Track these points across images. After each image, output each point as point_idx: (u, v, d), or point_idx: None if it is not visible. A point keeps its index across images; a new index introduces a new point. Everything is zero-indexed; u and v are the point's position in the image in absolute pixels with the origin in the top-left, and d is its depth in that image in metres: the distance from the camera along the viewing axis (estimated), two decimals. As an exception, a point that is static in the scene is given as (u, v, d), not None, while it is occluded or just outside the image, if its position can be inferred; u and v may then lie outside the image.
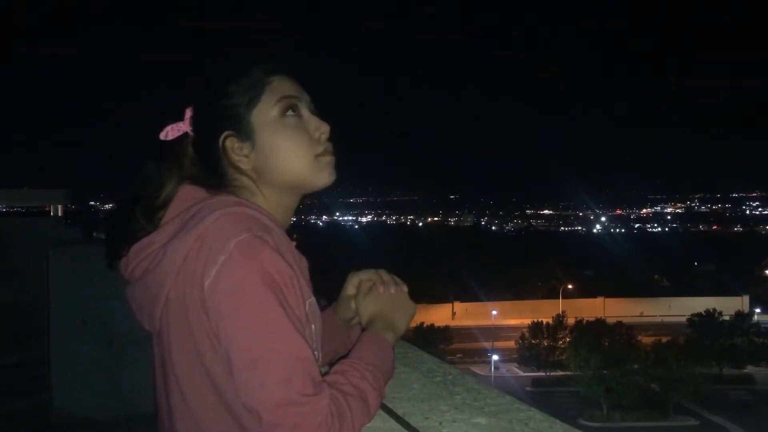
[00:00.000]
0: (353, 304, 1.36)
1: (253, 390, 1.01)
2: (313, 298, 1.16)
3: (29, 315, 5.33)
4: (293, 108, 1.21)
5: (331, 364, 1.18)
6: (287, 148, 1.19)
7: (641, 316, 59.80)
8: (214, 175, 1.21)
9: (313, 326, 1.15)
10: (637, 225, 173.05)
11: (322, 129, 1.23)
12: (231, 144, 1.20)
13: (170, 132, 1.26)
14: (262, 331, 1.02)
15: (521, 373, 45.44)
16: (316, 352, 1.13)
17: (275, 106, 1.20)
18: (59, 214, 13.48)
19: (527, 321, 48.83)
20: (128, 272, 1.19)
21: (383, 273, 1.37)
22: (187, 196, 1.19)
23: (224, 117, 1.20)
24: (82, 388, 4.28)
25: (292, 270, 1.09)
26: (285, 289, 1.06)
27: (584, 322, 46.52)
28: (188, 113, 1.26)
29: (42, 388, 4.37)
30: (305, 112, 1.23)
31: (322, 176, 1.22)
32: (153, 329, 1.18)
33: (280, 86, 1.21)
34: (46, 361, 4.36)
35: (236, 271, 1.03)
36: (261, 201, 1.21)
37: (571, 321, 48.09)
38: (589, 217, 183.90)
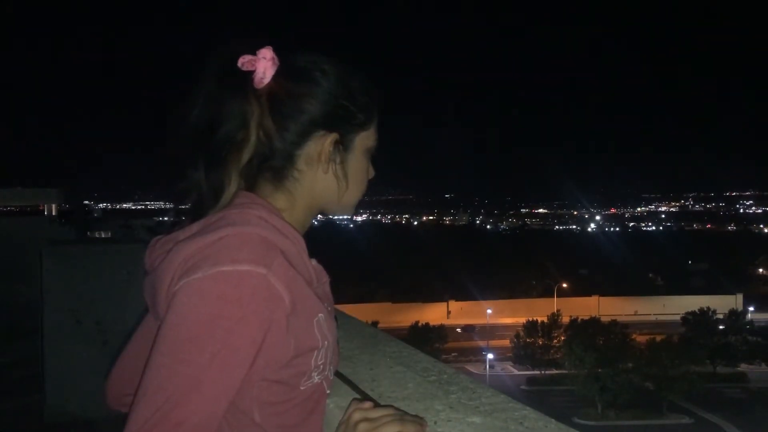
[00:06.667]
0: None
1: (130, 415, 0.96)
2: (322, 314, 1.08)
3: (23, 314, 5.32)
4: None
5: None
6: (359, 184, 1.18)
7: (636, 314, 59.97)
8: (283, 164, 1.12)
9: (325, 342, 1.08)
10: (631, 224, 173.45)
11: (370, 178, 1.22)
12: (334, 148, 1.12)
13: (267, 73, 1.07)
14: (169, 371, 0.94)
15: (516, 372, 45.51)
16: (330, 366, 1.11)
17: (373, 142, 1.18)
18: (53, 214, 13.46)
19: (522, 320, 48.90)
20: (149, 263, 1.15)
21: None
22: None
23: (337, 118, 1.12)
24: (75, 388, 4.27)
25: (280, 310, 0.98)
26: (237, 336, 0.95)
27: (579, 320, 46.56)
28: (269, 58, 1.07)
29: (36, 387, 4.36)
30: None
31: (351, 212, 1.21)
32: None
33: (376, 125, 1.19)
34: (40, 361, 4.35)
35: (193, 297, 0.96)
36: (287, 215, 1.13)
37: (565, 320, 48.13)
38: (584, 216, 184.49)
